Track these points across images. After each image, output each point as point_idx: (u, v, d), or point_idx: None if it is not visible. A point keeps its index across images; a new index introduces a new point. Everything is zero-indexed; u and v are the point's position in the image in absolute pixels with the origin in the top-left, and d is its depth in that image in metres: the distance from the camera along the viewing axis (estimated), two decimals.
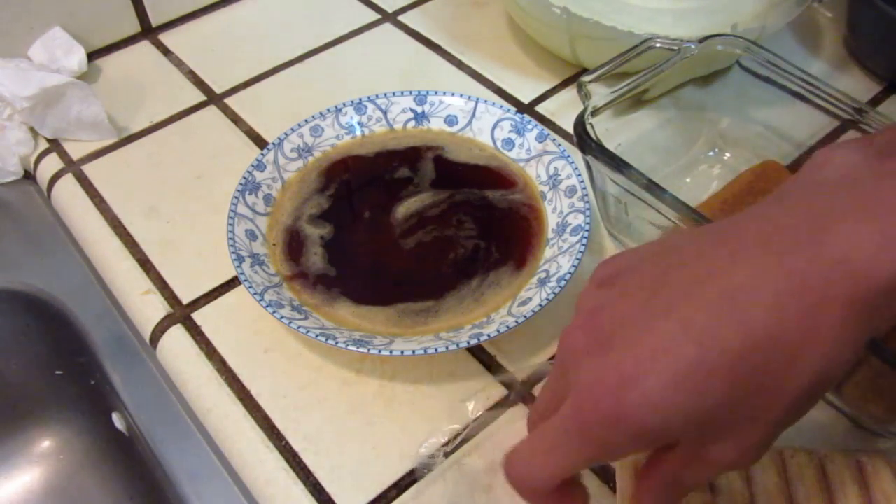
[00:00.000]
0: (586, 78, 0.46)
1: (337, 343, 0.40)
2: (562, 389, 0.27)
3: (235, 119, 0.59)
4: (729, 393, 0.24)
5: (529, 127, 0.52)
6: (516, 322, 0.41)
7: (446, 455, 0.39)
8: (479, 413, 0.41)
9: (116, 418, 0.51)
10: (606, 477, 0.38)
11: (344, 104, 0.53)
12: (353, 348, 0.40)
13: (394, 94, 0.54)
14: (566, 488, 0.28)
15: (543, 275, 0.44)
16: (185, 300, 0.47)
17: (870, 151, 0.26)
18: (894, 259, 0.22)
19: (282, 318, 0.41)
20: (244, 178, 0.49)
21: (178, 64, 0.64)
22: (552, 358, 0.44)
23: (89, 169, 0.56)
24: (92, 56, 0.63)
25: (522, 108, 0.59)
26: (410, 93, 0.54)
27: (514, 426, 0.41)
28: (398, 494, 0.38)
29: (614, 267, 0.29)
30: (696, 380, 0.23)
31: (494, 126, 0.53)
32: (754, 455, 0.26)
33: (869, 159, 0.26)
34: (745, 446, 0.25)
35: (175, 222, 0.52)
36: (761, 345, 0.23)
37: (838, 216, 0.24)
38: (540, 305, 0.41)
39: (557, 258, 0.45)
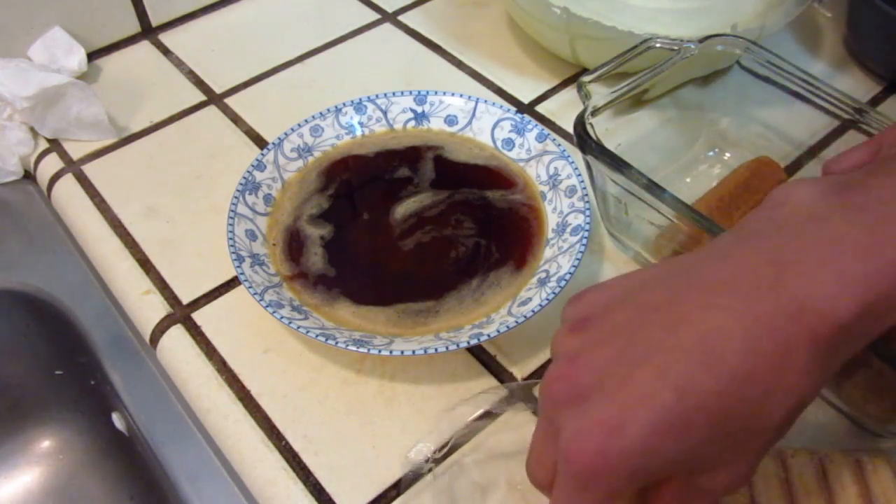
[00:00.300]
0: (586, 78, 0.46)
1: (337, 343, 0.40)
2: (552, 435, 0.28)
3: (235, 119, 0.59)
4: (710, 433, 0.25)
5: (529, 127, 0.52)
6: (516, 322, 0.41)
7: (436, 462, 0.39)
8: (469, 420, 0.40)
9: (116, 418, 0.51)
10: None
11: (344, 104, 0.53)
12: (353, 348, 0.40)
13: (394, 94, 0.54)
14: None
15: (543, 275, 0.44)
16: (185, 300, 0.47)
17: (827, 187, 0.27)
18: (850, 300, 0.24)
19: (282, 318, 0.41)
20: (244, 178, 0.49)
21: (178, 64, 0.64)
22: (551, 359, 0.43)
23: (89, 169, 0.56)
24: (92, 56, 0.64)
25: (522, 108, 0.59)
26: (410, 93, 0.54)
27: (513, 427, 0.41)
28: (398, 494, 0.38)
29: (585, 308, 0.29)
30: (677, 424, 0.25)
31: (494, 126, 0.53)
32: (744, 479, 0.27)
33: (825, 195, 0.27)
34: (733, 474, 0.27)
35: (175, 222, 0.52)
36: (735, 386, 0.25)
37: (798, 259, 0.25)
38: (540, 305, 0.41)
39: (557, 258, 0.45)
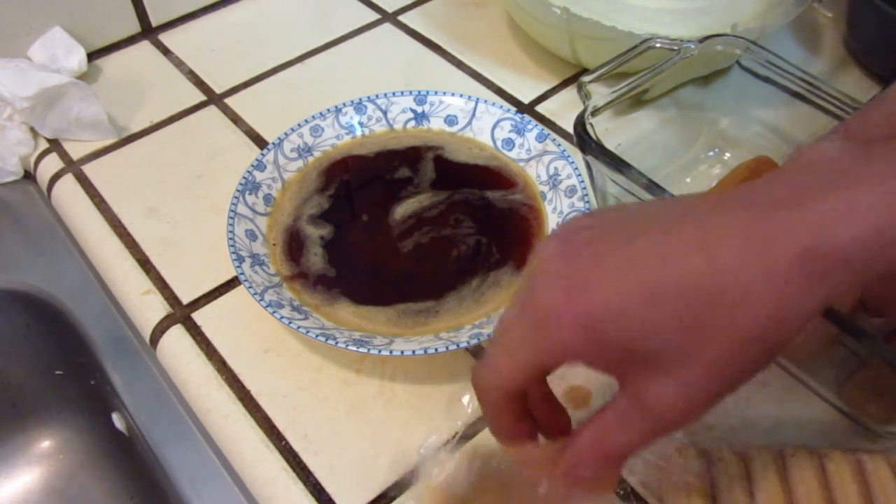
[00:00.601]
0: (586, 78, 0.46)
1: (337, 343, 0.40)
2: (517, 301, 0.28)
3: (235, 119, 0.59)
4: (682, 315, 0.25)
5: (529, 127, 0.52)
6: None
7: (447, 453, 0.39)
8: (473, 416, 0.41)
9: (116, 418, 0.51)
10: None
11: (344, 104, 0.53)
12: (353, 348, 0.40)
13: (394, 94, 0.54)
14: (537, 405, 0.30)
15: None
16: (185, 300, 0.47)
17: (850, 143, 0.27)
18: (854, 226, 0.24)
19: (282, 318, 0.41)
20: (244, 178, 0.49)
21: (178, 64, 0.64)
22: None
23: (89, 169, 0.56)
24: (92, 56, 0.64)
25: (522, 108, 0.59)
26: (410, 93, 0.54)
27: None
28: (398, 494, 0.38)
29: (580, 218, 0.30)
30: (655, 294, 0.25)
31: (494, 126, 0.53)
32: (692, 401, 0.26)
33: (849, 148, 0.27)
34: (685, 385, 0.25)
35: (175, 222, 0.52)
36: (721, 276, 0.24)
37: (814, 189, 0.25)
38: None
39: None
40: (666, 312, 0.25)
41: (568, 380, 0.42)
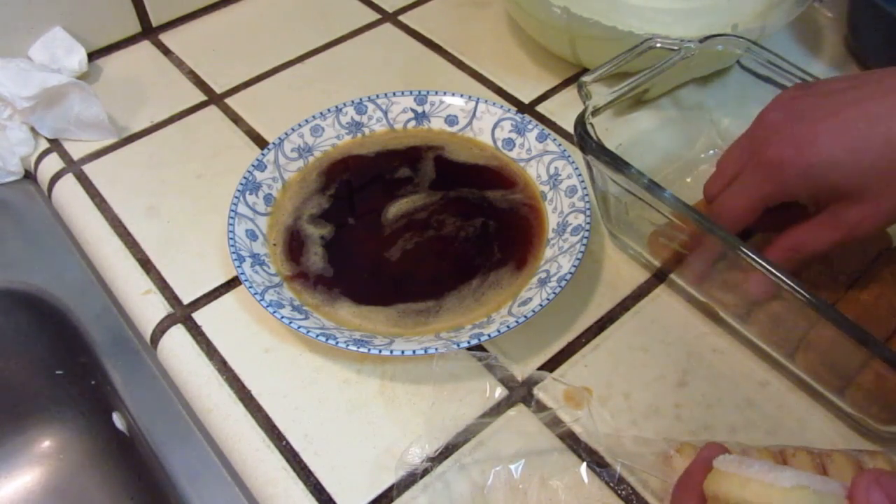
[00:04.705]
0: (586, 78, 0.46)
1: (337, 343, 0.40)
2: (744, 153, 0.38)
3: (235, 119, 0.59)
4: (882, 163, 0.33)
5: (530, 127, 0.52)
6: (517, 322, 0.41)
7: (431, 461, 0.39)
8: (469, 420, 0.41)
9: (117, 418, 0.51)
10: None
11: (344, 104, 0.53)
12: (353, 348, 0.40)
13: (394, 94, 0.54)
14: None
15: (544, 275, 0.44)
16: (186, 300, 0.47)
17: None
18: None
19: (282, 318, 0.41)
20: (244, 177, 0.49)
21: (178, 64, 0.64)
22: (552, 358, 0.44)
23: (89, 169, 0.56)
24: (92, 56, 0.64)
25: (523, 108, 0.59)
26: (411, 93, 0.54)
27: (513, 427, 0.41)
28: (398, 494, 0.38)
29: (804, 86, 0.39)
30: (863, 148, 0.33)
31: (495, 126, 0.53)
32: (879, 220, 0.35)
33: None
34: (877, 209, 0.35)
35: (175, 222, 0.52)
36: None
37: None
38: (540, 305, 0.41)
39: (558, 258, 0.45)
40: (871, 161, 0.33)
41: (568, 380, 0.42)
